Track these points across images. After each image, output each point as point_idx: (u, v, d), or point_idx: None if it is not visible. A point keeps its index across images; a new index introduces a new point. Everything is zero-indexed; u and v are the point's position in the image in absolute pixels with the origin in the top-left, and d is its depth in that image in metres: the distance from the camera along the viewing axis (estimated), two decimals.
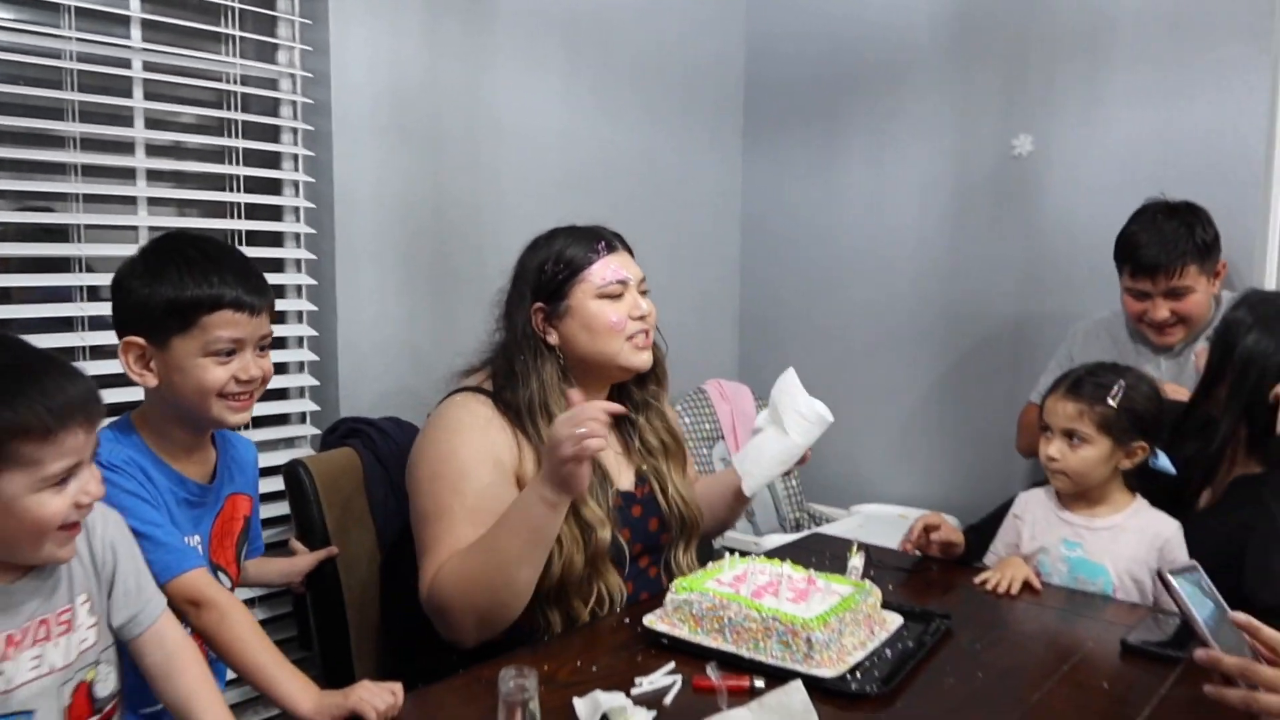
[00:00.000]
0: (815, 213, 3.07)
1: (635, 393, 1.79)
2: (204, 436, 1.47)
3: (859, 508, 2.89)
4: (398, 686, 1.24)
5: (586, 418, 1.37)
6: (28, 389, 1.03)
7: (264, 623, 2.01)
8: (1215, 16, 2.34)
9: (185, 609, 1.30)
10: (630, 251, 1.75)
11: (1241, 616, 1.02)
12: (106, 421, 1.26)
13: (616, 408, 1.45)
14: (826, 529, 2.66)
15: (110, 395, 1.21)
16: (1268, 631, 0.99)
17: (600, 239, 1.69)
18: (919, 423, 2.92)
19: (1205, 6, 2.35)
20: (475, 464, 1.57)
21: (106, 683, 1.20)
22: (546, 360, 1.65)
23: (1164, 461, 1.73)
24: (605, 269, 1.65)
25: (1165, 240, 2.11)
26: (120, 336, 1.36)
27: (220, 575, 1.48)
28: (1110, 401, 1.67)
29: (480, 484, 1.56)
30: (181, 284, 1.32)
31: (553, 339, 1.67)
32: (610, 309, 1.65)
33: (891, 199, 2.91)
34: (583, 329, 1.65)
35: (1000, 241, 2.72)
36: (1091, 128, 2.53)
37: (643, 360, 1.69)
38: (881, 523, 2.71)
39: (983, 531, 1.91)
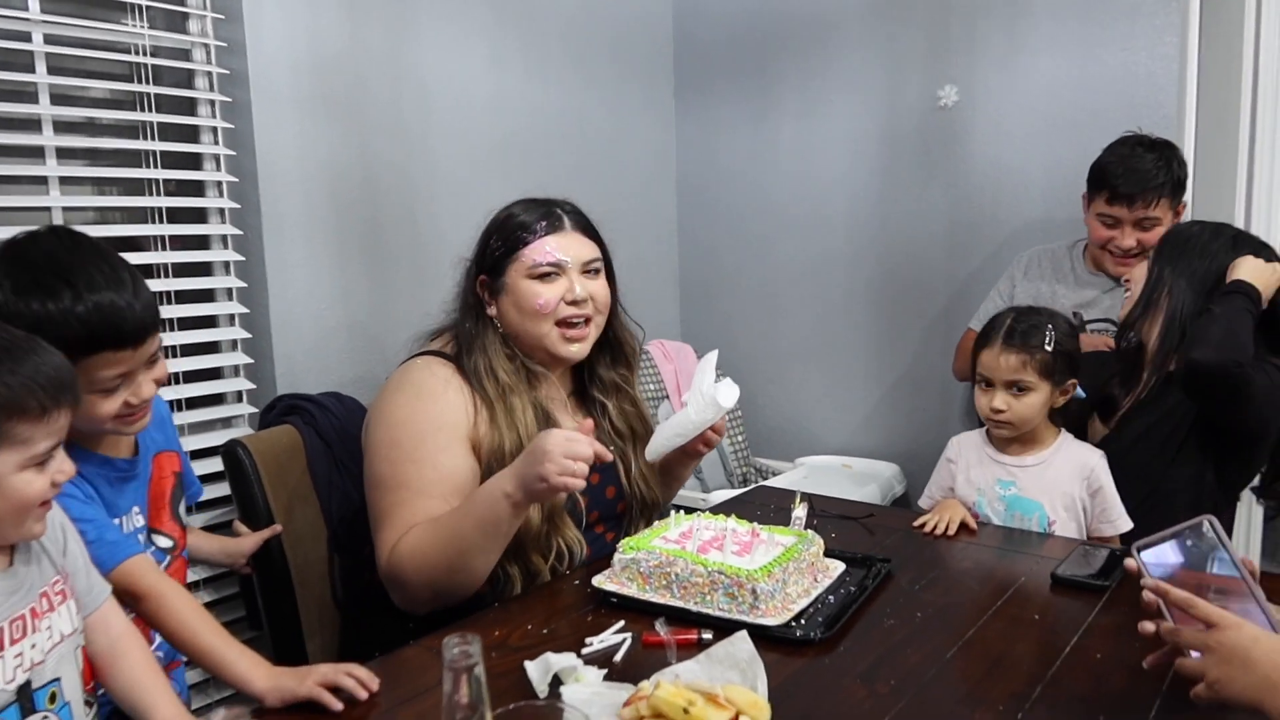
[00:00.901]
0: (749, 171, 3.09)
1: (604, 374, 1.77)
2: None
3: (804, 460, 2.94)
4: (355, 667, 1.21)
5: (579, 456, 1.36)
6: (22, 368, 1.02)
7: (212, 604, 2.01)
8: None
9: (126, 601, 1.28)
10: (587, 228, 1.69)
11: (1177, 594, 1.06)
12: None
13: (605, 455, 1.42)
14: (773, 482, 2.71)
15: None
16: (1200, 607, 1.04)
17: (545, 217, 1.64)
18: (858, 373, 2.97)
19: None
20: (432, 431, 1.56)
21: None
22: (488, 329, 1.65)
23: (1079, 391, 1.82)
24: (539, 249, 1.62)
25: (1144, 171, 2.15)
26: None
27: (160, 538, 1.47)
28: (1047, 347, 1.72)
29: (438, 452, 1.55)
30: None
31: (491, 311, 1.66)
32: (542, 290, 1.61)
33: (822, 154, 2.93)
34: (513, 306, 1.63)
35: (929, 191, 2.76)
36: (1013, 76, 2.57)
37: (571, 352, 1.65)
38: (826, 473, 2.77)
39: None
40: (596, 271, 1.68)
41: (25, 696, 1.07)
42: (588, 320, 1.66)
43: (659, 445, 1.63)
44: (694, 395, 1.63)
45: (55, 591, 1.13)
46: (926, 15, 2.69)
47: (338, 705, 1.16)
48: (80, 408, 1.16)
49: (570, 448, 1.36)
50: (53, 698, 1.11)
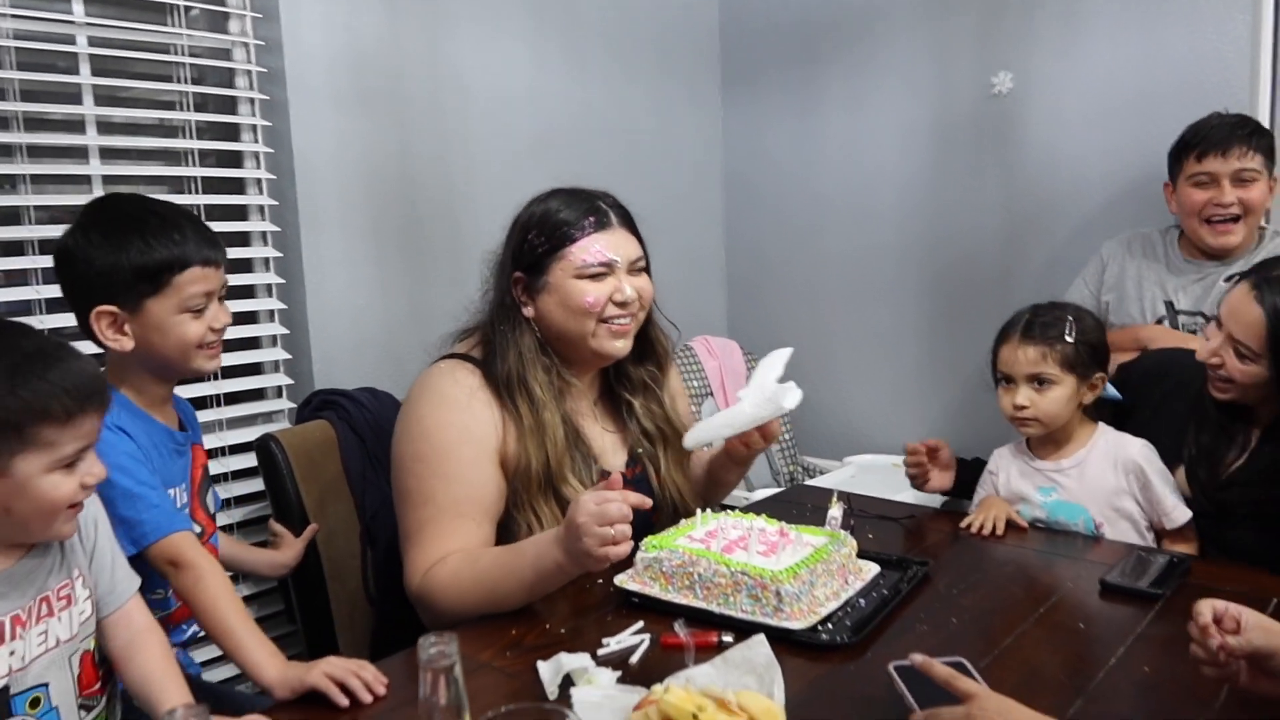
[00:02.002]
0: (796, 163, 3.02)
1: (632, 371, 1.70)
2: (172, 389, 1.50)
3: (852, 458, 2.86)
4: (365, 664, 1.20)
5: (613, 520, 1.25)
6: (50, 374, 1.06)
7: (250, 598, 2.03)
8: None
9: (166, 569, 1.32)
10: (630, 223, 1.63)
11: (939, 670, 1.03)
12: None
13: (644, 502, 1.31)
14: (818, 481, 2.64)
15: None
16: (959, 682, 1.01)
17: (592, 213, 1.57)
18: (909, 369, 2.89)
19: None
20: (459, 445, 1.50)
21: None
22: (525, 333, 1.57)
23: (1110, 390, 1.72)
24: (588, 250, 1.54)
25: (1230, 124, 2.06)
26: (82, 308, 1.35)
27: (194, 523, 1.49)
28: (1068, 338, 1.64)
29: (465, 467, 1.50)
30: (148, 248, 1.34)
31: (529, 311, 1.58)
32: (590, 289, 1.54)
33: (871, 145, 2.85)
34: (558, 306, 1.55)
35: (982, 181, 2.66)
36: (1071, 61, 2.46)
37: (616, 348, 1.59)
38: (874, 472, 2.69)
39: (974, 467, 1.88)
40: (641, 269, 1.62)
41: (2, 702, 1.08)
42: (632, 316, 1.60)
43: (702, 434, 1.57)
44: (753, 390, 1.58)
45: (60, 597, 1.13)
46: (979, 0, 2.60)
47: (343, 700, 1.15)
48: (172, 335, 1.35)
49: (603, 514, 1.25)
50: (35, 703, 1.11)
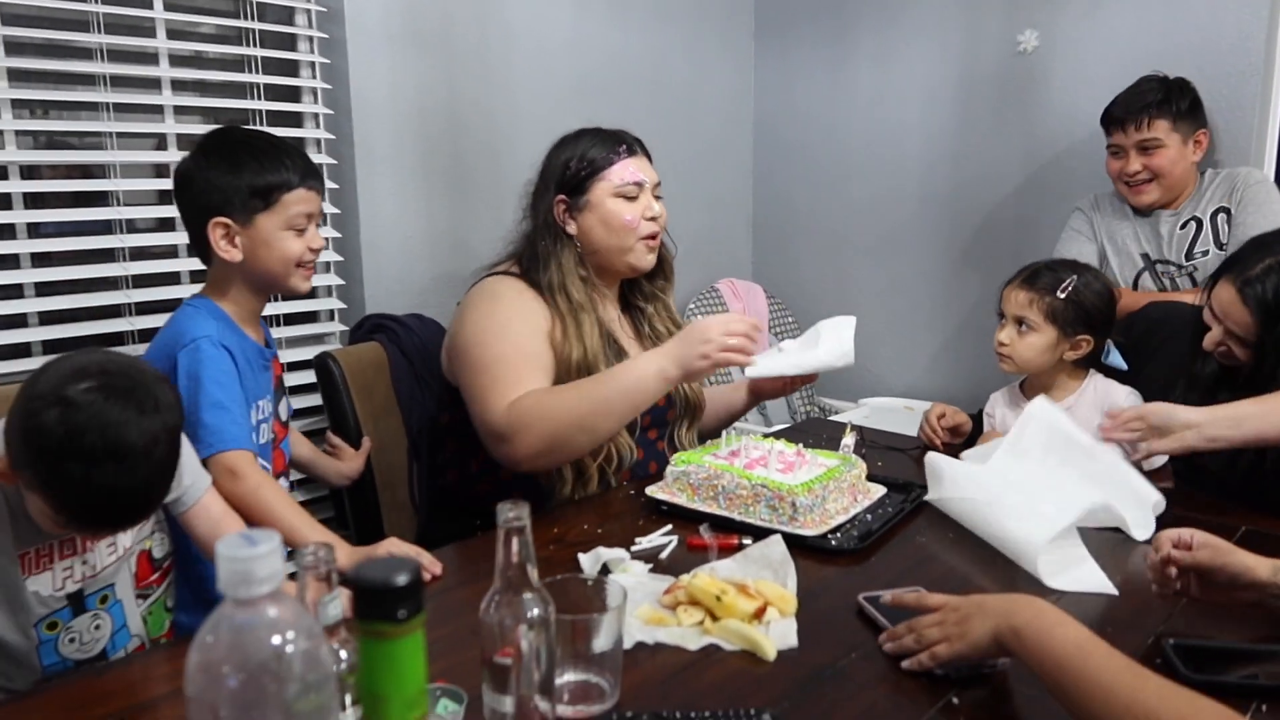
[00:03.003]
0: (825, 114, 3.11)
1: (645, 285, 1.91)
2: (263, 306, 1.65)
3: (866, 400, 3.00)
4: (421, 550, 1.36)
5: (737, 333, 1.54)
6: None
7: (305, 504, 2.19)
8: None
9: (223, 477, 1.43)
10: (649, 157, 1.84)
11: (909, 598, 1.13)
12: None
13: (758, 326, 1.58)
14: (839, 417, 2.78)
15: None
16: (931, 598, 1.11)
17: (623, 142, 1.79)
18: (925, 317, 3.01)
19: None
20: (518, 320, 1.70)
21: (161, 545, 1.38)
22: (566, 247, 1.77)
23: (1116, 358, 1.82)
24: (625, 170, 1.76)
25: (1135, 95, 2.27)
26: (199, 223, 1.51)
27: (269, 433, 1.65)
28: (1059, 293, 1.76)
29: (526, 338, 1.68)
30: (262, 169, 1.51)
31: (571, 229, 1.78)
32: (626, 208, 1.75)
33: (898, 98, 2.94)
34: (599, 223, 1.76)
35: (1004, 137, 2.75)
36: (1095, 21, 2.54)
37: (649, 261, 1.81)
38: (887, 413, 2.83)
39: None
40: (660, 196, 1.83)
41: (76, 601, 1.25)
42: (657, 236, 1.81)
43: (767, 367, 1.71)
44: (831, 342, 1.73)
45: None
46: None
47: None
48: (277, 249, 1.53)
49: (728, 326, 1.55)
50: (104, 599, 1.28)
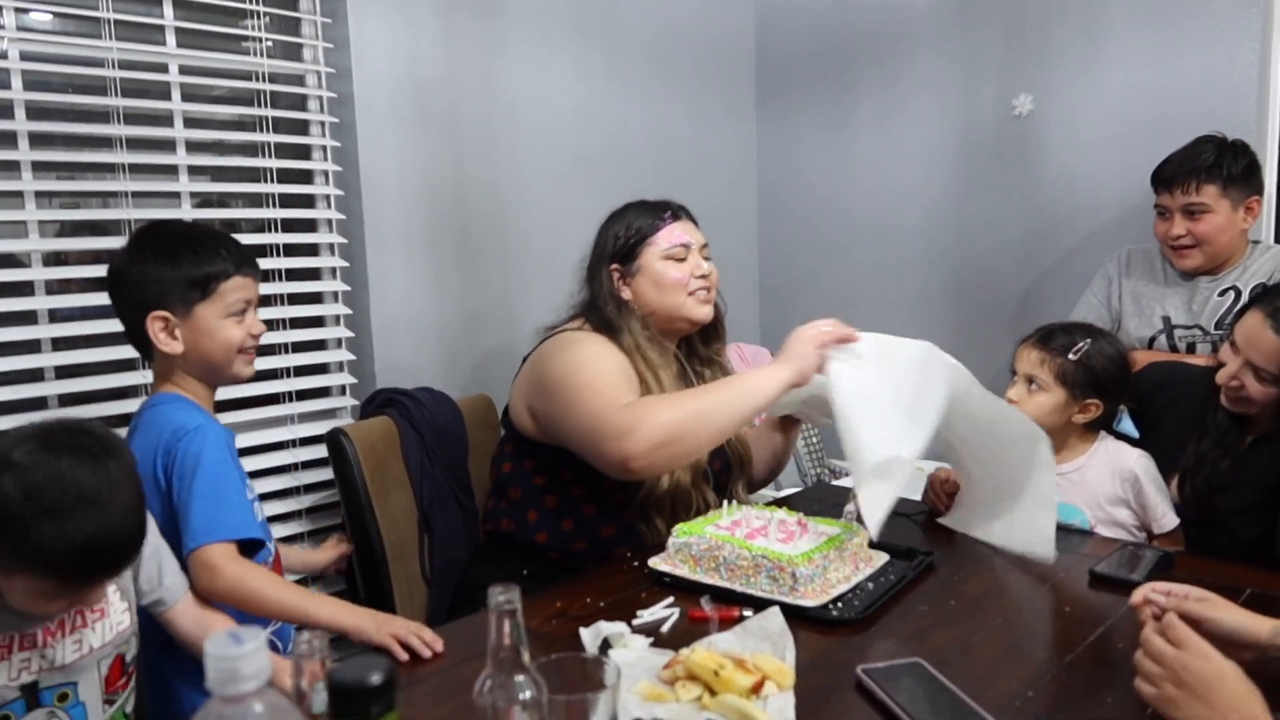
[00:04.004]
0: (827, 178, 3.17)
1: (700, 349, 2.00)
2: (214, 394, 1.66)
3: None
4: (424, 628, 1.38)
5: (831, 334, 1.66)
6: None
7: (317, 578, 2.22)
8: None
9: (201, 573, 1.42)
10: (694, 221, 1.96)
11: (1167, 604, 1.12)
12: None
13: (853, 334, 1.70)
14: (844, 481, 2.78)
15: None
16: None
17: (668, 209, 1.91)
18: None
19: None
20: (609, 357, 1.77)
21: (132, 648, 1.36)
22: (630, 314, 1.86)
23: (1128, 425, 1.83)
24: (670, 234, 1.87)
25: (1186, 156, 2.20)
26: (136, 317, 1.53)
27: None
28: (1071, 356, 1.77)
29: (620, 368, 1.75)
30: (198, 259, 1.54)
31: (626, 294, 1.87)
32: (675, 268, 1.86)
33: (898, 162, 2.99)
34: (652, 285, 1.86)
35: (1004, 199, 2.79)
36: (1089, 85, 2.59)
37: (704, 313, 1.90)
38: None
39: None
40: (709, 256, 1.93)
41: (31, 694, 1.21)
42: (709, 290, 1.90)
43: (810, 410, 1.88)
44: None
45: (93, 610, 1.27)
46: (1002, 24, 2.73)
47: (404, 656, 1.33)
48: (219, 338, 1.55)
49: (817, 325, 1.67)
50: (63, 697, 1.24)
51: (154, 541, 1.37)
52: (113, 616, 1.30)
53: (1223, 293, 2.23)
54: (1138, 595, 1.17)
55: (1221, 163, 2.17)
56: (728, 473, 1.95)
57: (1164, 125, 2.43)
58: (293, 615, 1.46)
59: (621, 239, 1.87)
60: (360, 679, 0.63)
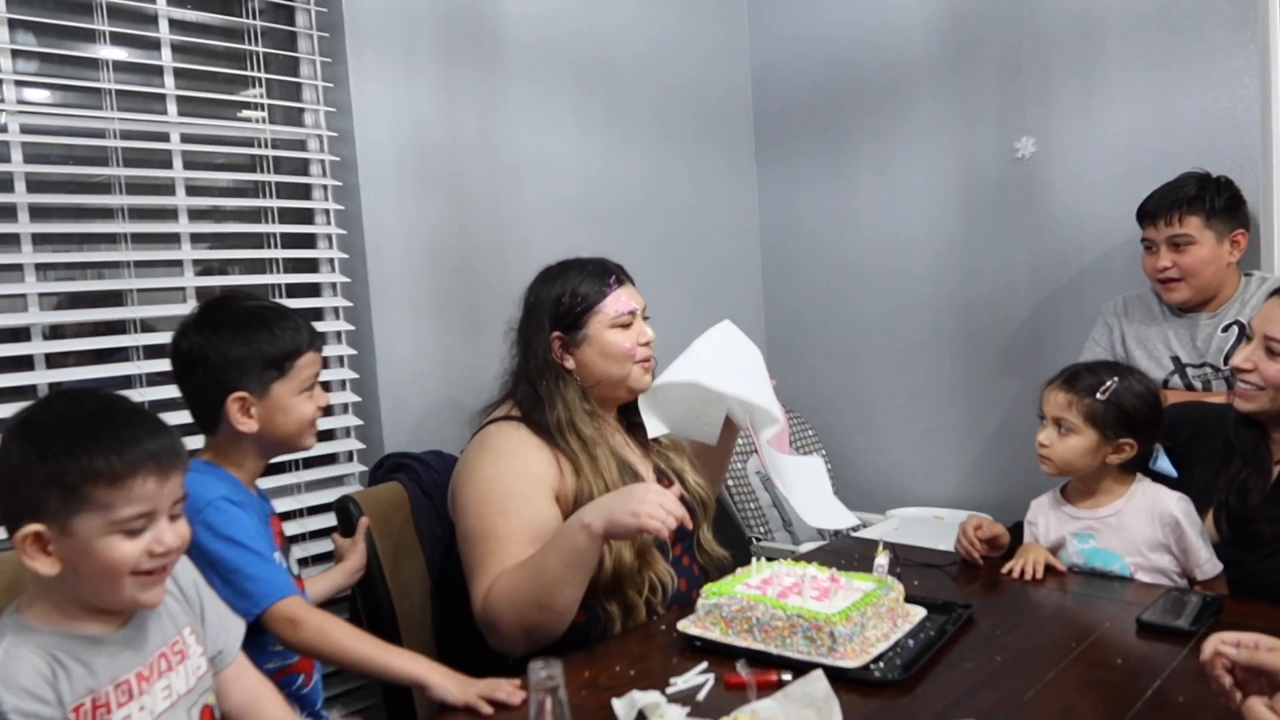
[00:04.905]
0: (830, 229, 3.16)
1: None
2: (265, 467, 1.64)
3: (895, 512, 2.94)
4: (499, 683, 1.38)
5: (673, 513, 1.48)
6: (104, 436, 1.10)
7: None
8: (1201, 7, 2.41)
9: (284, 629, 1.44)
10: (633, 282, 1.90)
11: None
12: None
13: (688, 522, 1.53)
14: (862, 534, 2.72)
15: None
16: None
17: (611, 273, 1.86)
18: (947, 425, 2.98)
19: None
20: (518, 484, 1.70)
21: (216, 701, 1.31)
22: (569, 384, 1.80)
23: (1164, 463, 1.79)
24: (618, 301, 1.82)
25: (1169, 189, 2.24)
26: (214, 399, 1.50)
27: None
28: (1099, 396, 1.73)
29: (523, 503, 1.69)
30: (274, 338, 1.51)
31: (569, 364, 1.82)
32: (623, 337, 1.82)
33: (901, 209, 2.99)
34: (599, 355, 1.81)
35: (1010, 242, 2.78)
36: (1090, 125, 2.60)
37: (647, 382, 1.87)
38: (917, 524, 2.76)
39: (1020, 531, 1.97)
40: (648, 317, 1.90)
41: None
42: (649, 358, 1.87)
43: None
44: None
45: (174, 652, 1.22)
46: (999, 68, 2.74)
47: (489, 710, 1.34)
48: (294, 415, 1.50)
49: (665, 500, 1.49)
50: None
51: (211, 592, 1.34)
52: (192, 659, 1.25)
53: (1225, 328, 2.23)
54: (1208, 650, 1.10)
55: (1204, 195, 2.21)
56: (692, 518, 1.87)
57: (1168, 163, 2.42)
58: (373, 666, 1.44)
59: (566, 305, 1.81)
60: None
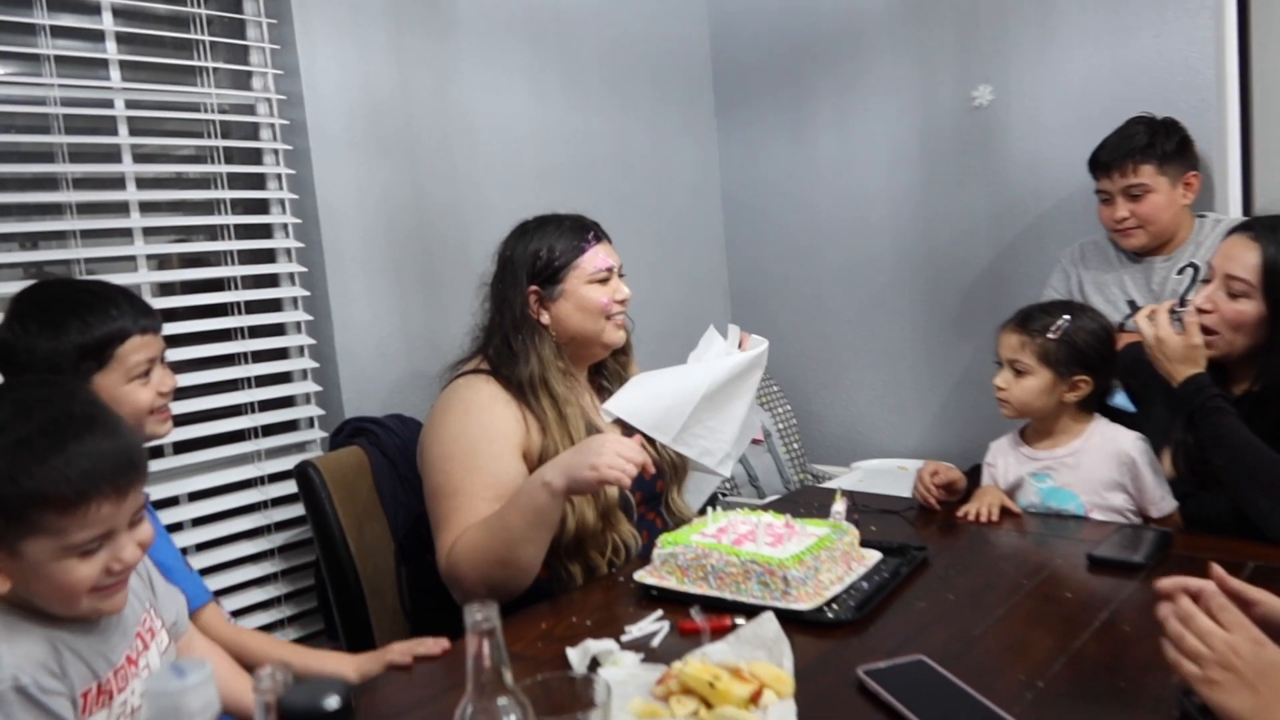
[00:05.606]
0: (791, 182, 3.15)
1: (609, 364, 1.96)
2: None
3: (859, 464, 2.96)
4: (421, 640, 1.41)
5: (630, 459, 1.48)
6: (53, 456, 0.99)
7: (292, 619, 2.15)
8: None
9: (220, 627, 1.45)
10: (609, 240, 1.89)
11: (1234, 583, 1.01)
12: None
13: (650, 468, 1.54)
14: (830, 484, 2.74)
15: None
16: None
17: (589, 229, 1.85)
18: (909, 376, 3.00)
19: None
20: (484, 440, 1.70)
21: None
22: (543, 339, 1.80)
23: (1122, 399, 1.81)
24: (596, 257, 1.82)
25: (1120, 139, 2.24)
26: None
27: None
28: (1050, 335, 1.74)
29: (490, 459, 1.69)
30: (87, 326, 1.35)
31: (545, 319, 1.81)
32: (600, 292, 1.81)
33: (861, 160, 2.98)
34: (575, 310, 1.81)
35: (969, 191, 2.78)
36: (1046, 71, 2.59)
37: (620, 338, 1.88)
38: (881, 475, 2.79)
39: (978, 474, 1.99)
40: (622, 275, 1.89)
41: None
42: (624, 312, 1.88)
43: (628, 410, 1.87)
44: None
45: (147, 630, 1.21)
46: (955, 16, 2.73)
47: (408, 660, 1.36)
48: (126, 405, 1.32)
49: (624, 449, 1.50)
50: None
51: (150, 564, 1.31)
52: (160, 635, 1.24)
53: (1180, 271, 2.25)
54: (1169, 582, 1.08)
55: (1155, 142, 2.21)
56: (661, 480, 1.89)
57: (1124, 106, 2.42)
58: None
59: (544, 260, 1.80)
60: (314, 703, 0.57)
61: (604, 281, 1.82)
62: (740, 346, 1.94)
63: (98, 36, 1.99)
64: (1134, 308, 2.30)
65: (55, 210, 1.92)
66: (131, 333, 1.38)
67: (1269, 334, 1.62)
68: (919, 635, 1.31)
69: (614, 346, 1.87)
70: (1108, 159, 2.24)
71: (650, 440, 1.87)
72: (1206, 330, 1.68)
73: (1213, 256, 1.73)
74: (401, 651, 1.39)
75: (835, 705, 1.13)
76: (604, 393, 1.93)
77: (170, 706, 0.53)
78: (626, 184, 2.94)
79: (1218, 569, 1.04)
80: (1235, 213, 2.39)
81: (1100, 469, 1.75)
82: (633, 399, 1.87)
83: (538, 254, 1.81)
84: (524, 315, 1.80)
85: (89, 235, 1.96)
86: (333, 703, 0.57)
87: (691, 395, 1.84)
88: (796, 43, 3.05)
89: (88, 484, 1.00)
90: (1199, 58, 2.37)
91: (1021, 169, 2.68)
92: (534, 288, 1.81)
